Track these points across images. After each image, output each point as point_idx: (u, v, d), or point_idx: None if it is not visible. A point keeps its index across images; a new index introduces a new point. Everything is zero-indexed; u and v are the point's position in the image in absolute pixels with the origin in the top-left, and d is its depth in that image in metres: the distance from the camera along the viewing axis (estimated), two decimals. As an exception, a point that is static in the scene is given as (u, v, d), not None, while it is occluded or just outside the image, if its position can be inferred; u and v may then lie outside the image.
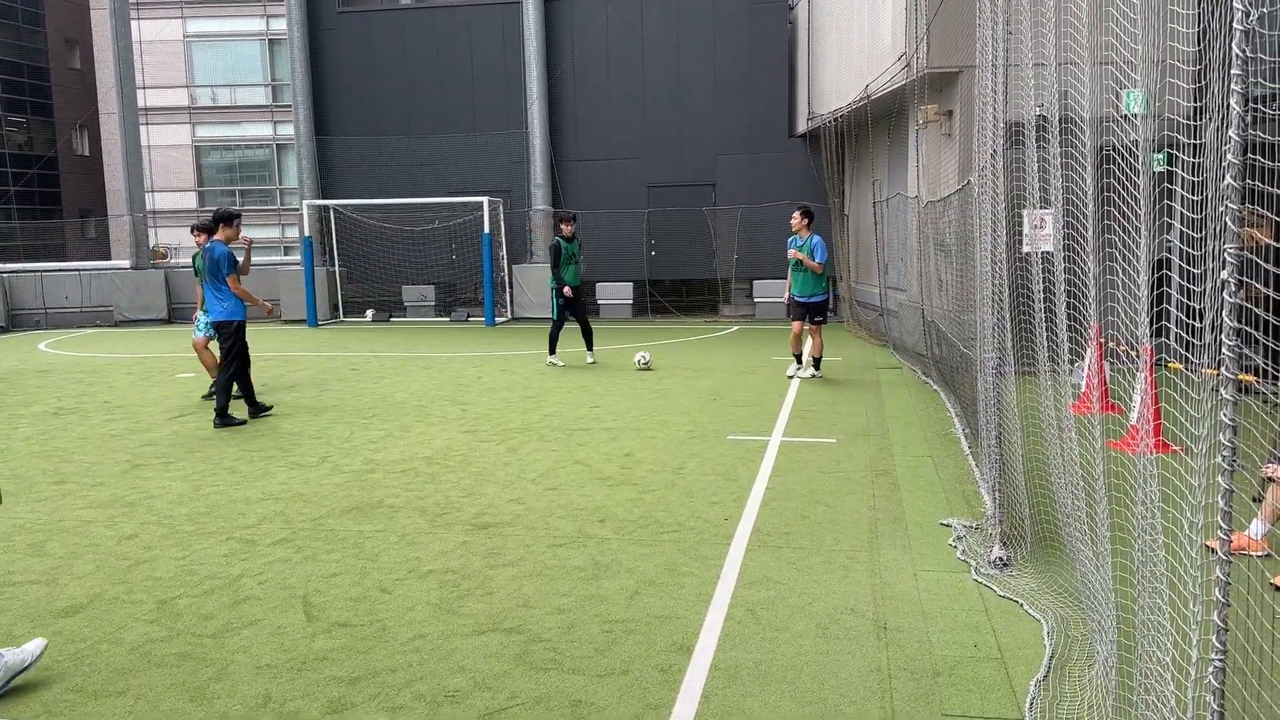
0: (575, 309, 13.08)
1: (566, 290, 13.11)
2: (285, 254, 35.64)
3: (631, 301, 21.21)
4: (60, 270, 21.89)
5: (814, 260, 11.52)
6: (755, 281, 20.96)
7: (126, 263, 22.39)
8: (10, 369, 14.31)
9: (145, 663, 4.22)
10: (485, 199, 20.20)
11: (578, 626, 4.54)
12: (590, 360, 13.48)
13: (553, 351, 13.34)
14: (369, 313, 21.89)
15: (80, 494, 7.04)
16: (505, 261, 21.42)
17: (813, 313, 11.77)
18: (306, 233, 21.21)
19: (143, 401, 11.08)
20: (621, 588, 5.02)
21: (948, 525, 5.98)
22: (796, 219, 11.69)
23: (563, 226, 13.25)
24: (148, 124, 30.90)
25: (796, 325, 11.86)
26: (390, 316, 21.93)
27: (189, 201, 42.73)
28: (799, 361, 12.09)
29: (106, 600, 4.95)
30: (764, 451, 7.97)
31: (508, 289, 21.39)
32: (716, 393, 10.88)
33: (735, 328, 19.00)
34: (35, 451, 8.44)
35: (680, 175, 21.42)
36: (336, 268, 22.05)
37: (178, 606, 4.87)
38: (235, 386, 9.62)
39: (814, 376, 11.78)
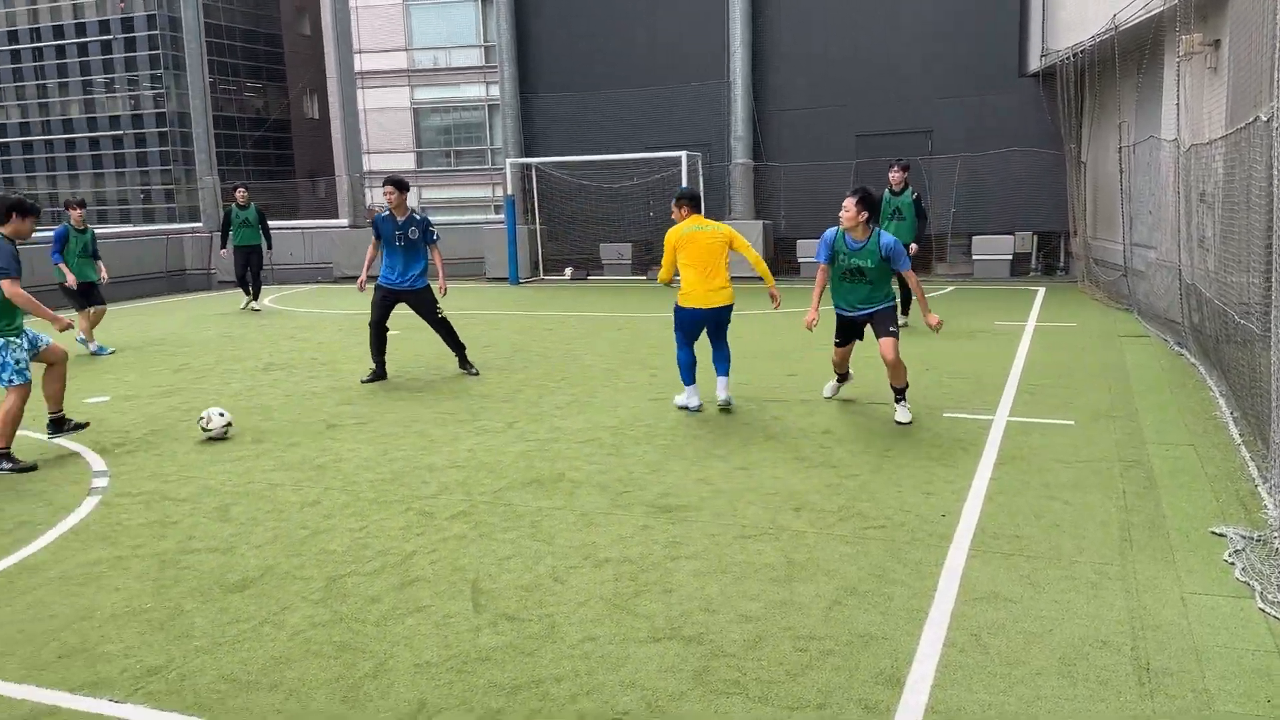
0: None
1: None
2: (494, 212, 36.53)
3: (836, 259, 20.16)
4: (285, 229, 23.09)
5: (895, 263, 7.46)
6: (975, 237, 19.41)
7: (345, 221, 23.36)
8: (234, 323, 15.09)
9: (304, 651, 3.97)
10: (684, 153, 19.62)
11: (766, 640, 3.94)
12: (901, 323, 11.05)
13: (904, 312, 11.79)
14: (567, 270, 21.89)
15: (274, 454, 7.05)
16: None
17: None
18: (509, 191, 21.38)
19: (347, 359, 11.29)
20: (819, 595, 4.36)
21: (1220, 534, 4.94)
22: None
23: (891, 175, 11.73)
24: (364, 88, 32.12)
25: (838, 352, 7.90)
26: (588, 275, 21.86)
27: (408, 162, 44.56)
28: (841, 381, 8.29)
29: (278, 575, 4.78)
30: (987, 433, 7.03)
31: (707, 246, 20.77)
32: (929, 362, 9.90)
33: (950, 288, 17.63)
34: (241, 407, 8.64)
35: (893, 122, 20.03)
36: (537, 226, 22.16)
37: (345, 586, 4.63)
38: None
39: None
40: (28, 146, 68.32)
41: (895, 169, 11.82)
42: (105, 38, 63.55)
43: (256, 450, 7.17)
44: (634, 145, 21.26)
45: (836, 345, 7.93)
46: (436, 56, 42.71)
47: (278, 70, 48.97)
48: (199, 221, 23.48)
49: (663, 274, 8.02)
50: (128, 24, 62.17)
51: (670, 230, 7.84)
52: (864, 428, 7.30)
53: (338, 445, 7.27)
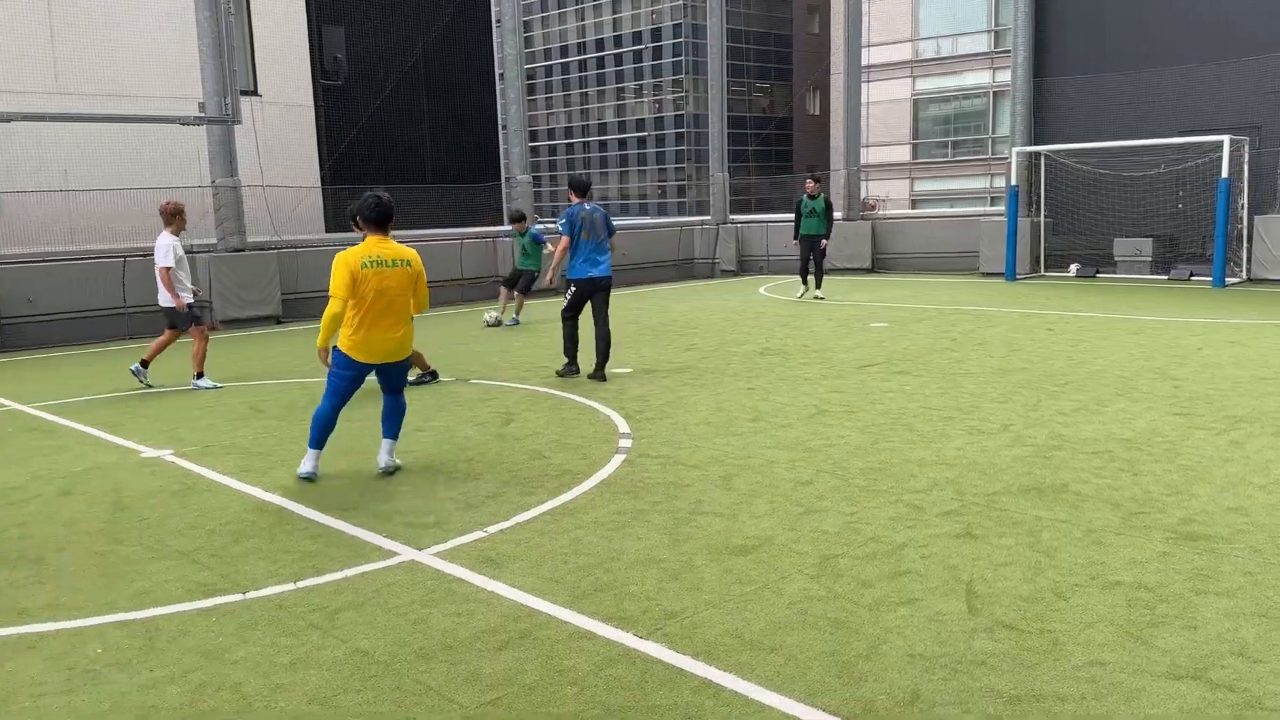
0: None
1: None
2: (990, 204, 35.02)
3: None
4: (782, 221, 24.10)
5: None
6: None
7: (839, 214, 23.82)
8: (733, 309, 16.15)
9: (800, 621, 4.17)
10: (1226, 138, 17.19)
11: (1323, 705, 3.37)
12: None
13: None
14: (1073, 267, 20.30)
15: (769, 433, 7.46)
16: (1245, 211, 18.09)
17: None
18: (1013, 181, 20.32)
19: (837, 348, 11.56)
20: (1398, 664, 3.63)
21: None
22: None
23: None
24: (867, 82, 32.43)
25: None
26: (1096, 272, 20.08)
27: (903, 154, 44.29)
28: None
29: (775, 545, 5.07)
30: None
31: (1245, 244, 18.07)
32: None
33: None
34: (739, 388, 9.24)
35: None
36: (1042, 218, 20.81)
37: (838, 566, 4.78)
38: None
39: None
40: (570, 148, 78.87)
41: None
42: (636, 48, 71.19)
43: (754, 428, 7.64)
44: (1165, 129, 19.08)
45: None
46: (940, 45, 41.85)
47: (784, 70, 51.38)
48: (706, 215, 25.40)
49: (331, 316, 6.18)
50: (655, 34, 69.01)
51: (351, 253, 6.18)
52: None
53: (828, 430, 7.49)
